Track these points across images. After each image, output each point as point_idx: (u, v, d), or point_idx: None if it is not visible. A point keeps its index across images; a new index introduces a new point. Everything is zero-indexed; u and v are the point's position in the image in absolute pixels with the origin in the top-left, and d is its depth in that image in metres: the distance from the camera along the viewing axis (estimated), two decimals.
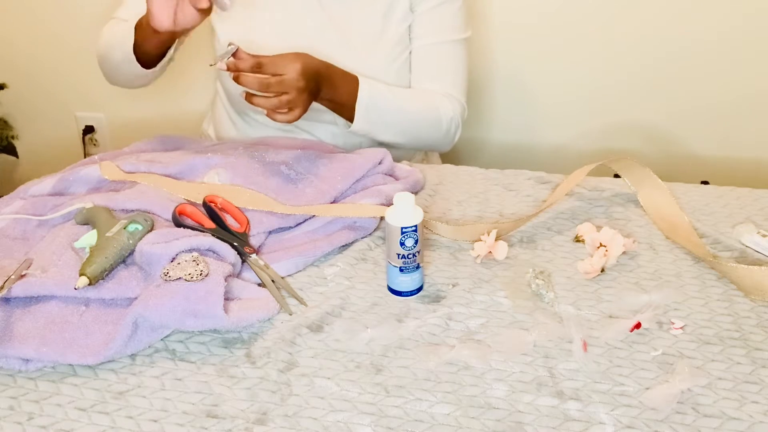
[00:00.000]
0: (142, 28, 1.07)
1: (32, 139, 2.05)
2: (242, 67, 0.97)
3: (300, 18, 1.18)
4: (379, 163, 1.08)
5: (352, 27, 1.18)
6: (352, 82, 1.12)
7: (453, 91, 1.23)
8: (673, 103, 1.61)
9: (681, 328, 0.81)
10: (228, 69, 0.98)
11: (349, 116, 1.13)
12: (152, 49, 1.10)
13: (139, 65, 1.12)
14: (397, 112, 1.16)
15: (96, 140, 2.02)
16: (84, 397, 0.73)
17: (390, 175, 1.09)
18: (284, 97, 0.99)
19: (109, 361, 0.77)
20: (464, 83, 1.25)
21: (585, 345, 0.78)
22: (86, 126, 2.00)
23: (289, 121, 1.02)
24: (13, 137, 2.00)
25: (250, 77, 0.97)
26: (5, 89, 1.93)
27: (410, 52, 1.23)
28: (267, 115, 1.01)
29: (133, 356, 0.78)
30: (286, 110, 1.01)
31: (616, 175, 1.10)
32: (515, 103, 1.70)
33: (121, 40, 1.12)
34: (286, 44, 1.09)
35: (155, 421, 0.70)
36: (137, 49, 1.10)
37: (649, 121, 1.65)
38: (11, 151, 1.98)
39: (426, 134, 1.21)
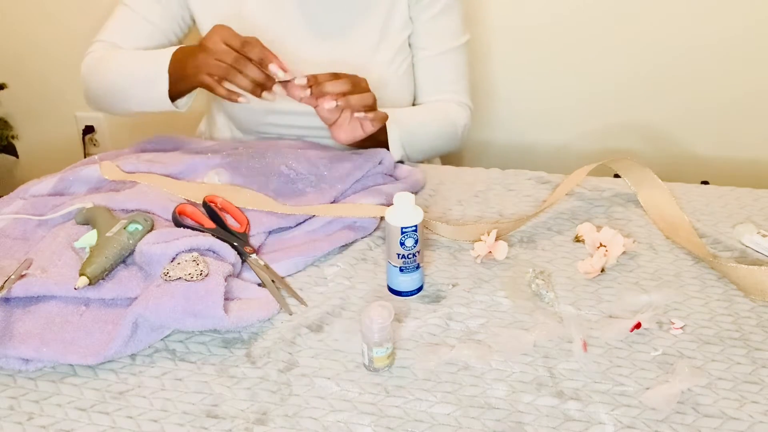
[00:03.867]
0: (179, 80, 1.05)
1: (32, 139, 2.05)
2: (321, 79, 0.98)
3: (293, 38, 1.18)
4: (379, 163, 1.08)
5: (346, 44, 1.18)
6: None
7: (462, 98, 1.27)
8: (673, 103, 1.61)
9: (681, 328, 0.81)
10: (308, 85, 0.98)
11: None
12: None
13: (172, 106, 1.10)
14: (423, 138, 1.19)
15: (96, 140, 2.02)
16: (84, 397, 0.73)
17: (390, 175, 1.09)
18: (371, 94, 1.00)
19: (109, 361, 0.77)
20: (469, 86, 1.29)
21: (585, 345, 0.78)
22: (86, 126, 2.00)
23: (383, 120, 1.02)
24: (13, 137, 2.00)
25: (338, 82, 0.98)
26: (5, 89, 1.92)
27: (412, 60, 1.24)
28: (366, 119, 1.01)
29: (133, 356, 0.78)
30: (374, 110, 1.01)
31: (616, 175, 1.10)
32: (515, 103, 1.70)
33: (142, 91, 1.09)
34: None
35: (155, 421, 0.70)
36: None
37: (649, 121, 1.65)
38: (11, 151, 1.98)
39: (446, 147, 1.26)
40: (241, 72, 0.95)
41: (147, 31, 1.18)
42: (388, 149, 1.12)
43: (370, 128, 1.03)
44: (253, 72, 0.95)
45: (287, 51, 1.16)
